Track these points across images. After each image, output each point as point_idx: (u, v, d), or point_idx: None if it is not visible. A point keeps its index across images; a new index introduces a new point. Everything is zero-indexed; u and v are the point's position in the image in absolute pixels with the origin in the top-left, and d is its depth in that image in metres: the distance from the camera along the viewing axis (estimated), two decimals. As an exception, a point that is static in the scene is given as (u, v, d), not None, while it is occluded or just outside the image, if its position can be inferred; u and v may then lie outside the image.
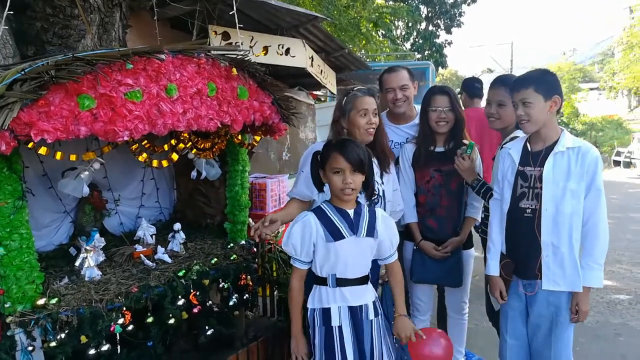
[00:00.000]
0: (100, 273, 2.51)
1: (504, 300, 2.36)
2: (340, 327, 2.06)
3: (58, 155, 2.14)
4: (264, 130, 2.99)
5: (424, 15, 20.33)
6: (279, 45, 4.15)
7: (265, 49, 4.06)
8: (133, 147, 2.39)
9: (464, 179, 2.82)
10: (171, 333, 2.58)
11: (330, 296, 2.09)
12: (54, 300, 2.21)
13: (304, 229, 2.08)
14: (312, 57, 4.53)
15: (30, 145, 1.96)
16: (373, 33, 14.23)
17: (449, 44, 21.41)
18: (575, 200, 2.17)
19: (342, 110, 2.56)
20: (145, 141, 2.50)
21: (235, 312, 2.94)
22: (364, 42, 13.62)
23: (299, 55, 4.30)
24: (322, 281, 2.10)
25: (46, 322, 2.14)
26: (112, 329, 2.25)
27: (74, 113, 1.96)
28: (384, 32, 16.32)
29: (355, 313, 2.09)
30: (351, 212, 2.11)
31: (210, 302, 2.71)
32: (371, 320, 2.12)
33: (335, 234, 2.05)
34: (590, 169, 2.17)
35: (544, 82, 2.21)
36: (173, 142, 2.58)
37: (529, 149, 2.30)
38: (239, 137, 2.96)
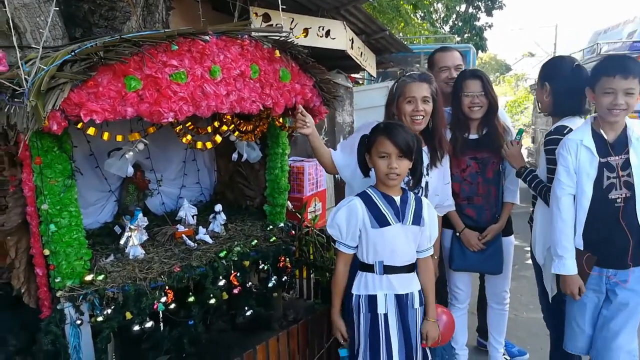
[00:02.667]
0: (144, 252, 2.56)
1: (580, 296, 2.28)
2: (386, 315, 2.03)
3: (105, 135, 2.18)
4: (305, 114, 2.96)
5: (463, -3, 19.72)
6: (319, 27, 4.10)
7: (306, 30, 4.02)
8: (177, 128, 2.40)
9: (499, 166, 2.74)
10: (211, 313, 2.63)
11: (376, 283, 2.06)
12: (101, 277, 2.27)
13: (349, 213, 2.04)
14: (352, 39, 4.46)
15: (79, 125, 1.99)
16: (412, 15, 13.92)
17: (489, 26, 20.74)
18: None
19: (392, 96, 2.50)
20: (189, 123, 2.51)
21: (274, 294, 2.96)
22: (402, 24, 13.34)
23: (339, 37, 4.23)
24: (369, 268, 2.07)
25: (94, 298, 2.21)
26: (155, 306, 2.30)
27: (121, 94, 1.98)
28: (422, 15, 15.94)
29: (402, 301, 2.06)
30: (397, 198, 2.07)
31: (250, 283, 2.74)
32: (416, 309, 2.09)
33: (381, 220, 2.02)
34: None
35: None
36: (216, 124, 2.59)
37: (605, 137, 2.20)
38: (280, 120, 2.95)
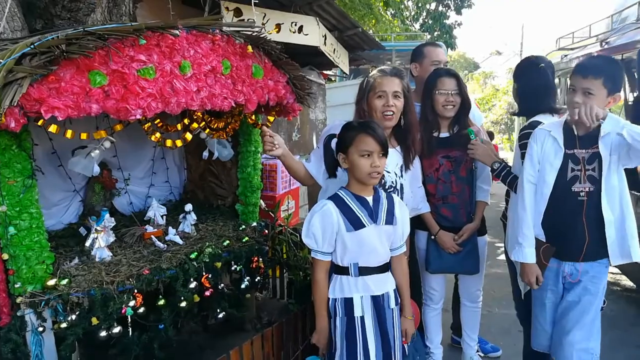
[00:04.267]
0: (111, 254, 2.46)
1: (538, 286, 2.30)
2: (362, 318, 1.99)
3: (69, 133, 2.08)
4: (278, 111, 2.91)
5: (433, -5, 19.93)
6: (291, 23, 4.04)
7: (278, 26, 3.95)
8: (145, 126, 2.31)
9: (472, 165, 2.74)
10: (182, 316, 2.55)
11: (352, 286, 2.01)
12: (64, 281, 2.17)
13: (324, 218, 1.98)
14: (325, 35, 4.41)
15: (40, 122, 1.89)
16: (383, 13, 13.97)
17: (459, 25, 21.03)
18: (617, 173, 2.19)
19: (362, 91, 2.43)
20: (158, 120, 2.43)
21: (247, 295, 2.90)
22: (373, 21, 13.37)
23: (312, 33, 4.18)
24: (344, 270, 2.02)
25: (57, 303, 2.11)
26: (123, 311, 2.21)
27: (85, 90, 1.89)
28: (393, 12, 16.01)
29: (378, 302, 2.02)
30: (370, 199, 2.03)
31: (222, 284, 2.67)
32: (392, 309, 2.06)
33: (355, 223, 1.97)
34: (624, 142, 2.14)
35: (613, 76, 2.12)
36: (186, 121, 2.51)
37: (575, 132, 2.22)
38: (253, 117, 2.88)
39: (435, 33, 20.02)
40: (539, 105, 2.52)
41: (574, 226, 2.22)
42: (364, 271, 2.01)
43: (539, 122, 2.42)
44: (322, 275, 2.02)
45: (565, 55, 6.39)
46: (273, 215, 3.78)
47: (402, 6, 17.10)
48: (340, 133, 2.07)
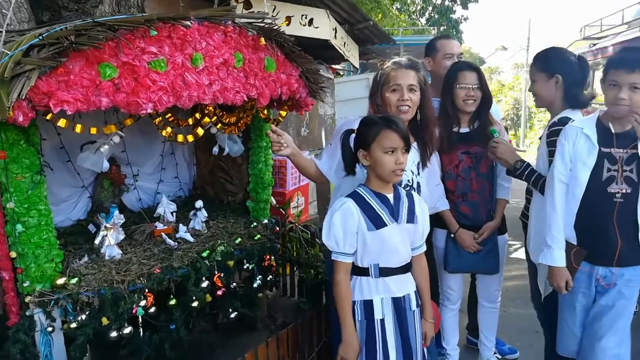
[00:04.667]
0: (121, 252, 2.40)
1: (568, 291, 2.21)
2: (382, 320, 1.91)
3: (78, 128, 2.01)
4: (290, 105, 2.84)
5: (439, -11, 19.76)
6: (302, 16, 3.95)
7: (288, 19, 3.86)
8: (156, 120, 2.25)
9: (493, 161, 2.65)
10: (194, 315, 2.49)
11: (372, 287, 1.93)
12: (74, 280, 2.12)
13: (345, 217, 1.89)
14: (335, 28, 4.33)
15: (48, 116, 1.82)
16: (389, 7, 13.85)
17: (465, 19, 20.85)
18: None
19: (376, 85, 2.34)
20: (169, 114, 2.36)
21: (259, 294, 2.84)
22: (380, 15, 13.26)
23: (323, 26, 4.09)
24: (364, 272, 1.94)
25: (66, 303, 2.05)
26: (134, 311, 2.16)
27: (95, 83, 1.82)
28: (399, 7, 15.88)
29: (399, 304, 1.94)
30: (390, 196, 1.95)
31: (234, 284, 2.61)
32: (414, 311, 1.98)
33: (377, 222, 1.89)
34: None
35: None
36: (197, 115, 2.44)
37: (612, 130, 2.12)
38: (265, 111, 2.81)
39: (442, 28, 19.88)
40: (583, 99, 2.41)
41: (606, 229, 2.12)
42: (384, 272, 1.93)
43: (569, 119, 2.32)
44: (344, 278, 1.93)
45: (594, 44, 5.84)
46: (284, 212, 3.72)
47: (409, 0, 16.94)
48: (359, 128, 1.98)
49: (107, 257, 2.34)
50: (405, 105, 2.22)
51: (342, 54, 4.60)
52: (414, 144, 2.32)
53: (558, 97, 2.43)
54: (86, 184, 2.83)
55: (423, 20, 20.53)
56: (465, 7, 20.59)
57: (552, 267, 2.19)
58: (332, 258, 1.94)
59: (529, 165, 2.45)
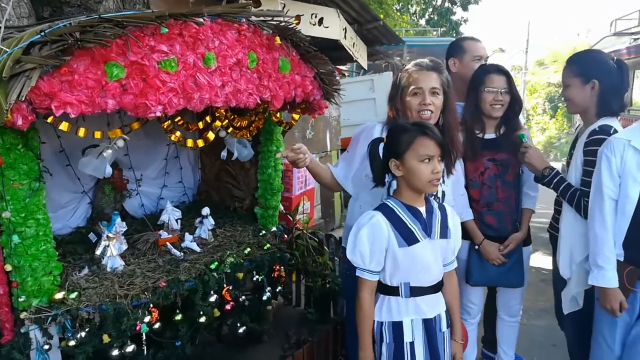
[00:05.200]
0: (123, 263, 2.26)
1: (621, 313, 2.08)
2: (412, 343, 1.78)
3: (81, 131, 1.86)
4: (304, 108, 2.70)
5: (440, -9, 19.70)
6: (312, 15, 3.80)
7: (298, 18, 3.71)
8: (165, 124, 2.10)
9: (520, 169, 2.53)
10: (200, 331, 2.34)
11: (402, 308, 1.79)
12: (73, 295, 1.97)
13: (373, 232, 1.75)
14: (345, 28, 4.19)
15: (50, 119, 1.68)
16: (391, 8, 13.73)
17: (465, 21, 20.79)
18: None
19: (396, 88, 2.20)
20: (179, 117, 2.21)
21: (268, 307, 2.69)
22: (382, 16, 13.13)
23: (333, 26, 3.95)
24: (393, 291, 1.80)
25: (65, 319, 1.91)
26: (137, 328, 2.01)
27: (101, 83, 1.69)
28: (398, 8, 15.77)
29: (430, 326, 1.80)
30: (423, 210, 1.81)
31: (243, 297, 2.46)
32: (444, 332, 1.85)
33: (409, 238, 1.75)
34: None
35: None
36: (208, 119, 2.29)
37: None
38: (277, 114, 2.67)
39: (442, 29, 19.81)
40: (622, 106, 2.29)
41: None
42: (415, 291, 1.79)
43: (611, 127, 2.19)
44: (368, 297, 1.79)
45: (636, 39, 5.06)
46: (291, 218, 3.58)
47: (413, 1, 16.84)
48: (390, 136, 1.84)
49: (108, 269, 2.20)
50: (428, 110, 2.08)
51: (352, 54, 4.46)
52: None
53: (593, 104, 2.30)
54: (86, 189, 2.68)
55: (423, 22, 20.46)
56: (465, 8, 20.54)
57: (605, 288, 2.05)
58: (357, 274, 1.80)
59: (558, 173, 2.33)
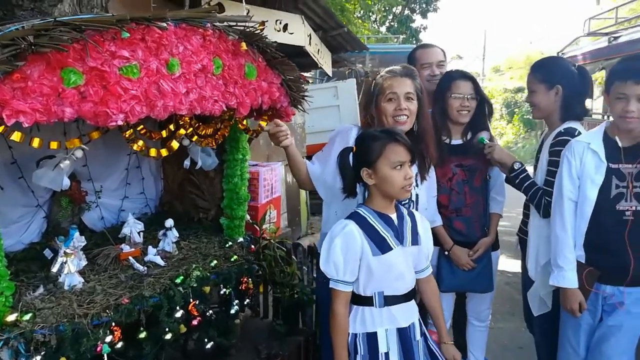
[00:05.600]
0: (82, 280, 2.13)
1: (581, 313, 2.11)
2: (387, 354, 1.75)
3: (35, 142, 1.75)
4: (271, 115, 2.64)
5: (400, -2, 20.05)
6: (276, 21, 3.77)
7: (262, 24, 3.66)
8: (127, 133, 2.00)
9: (487, 175, 2.57)
10: (166, 348, 2.24)
11: (376, 318, 1.77)
12: (27, 316, 1.83)
13: (347, 242, 1.72)
14: (310, 35, 4.17)
15: (0, 129, 1.56)
16: (353, 15, 13.85)
17: (424, 28, 21.26)
18: None
19: (370, 95, 2.20)
20: (141, 126, 2.11)
21: (236, 321, 2.61)
22: (344, 23, 13.23)
23: (298, 32, 3.92)
24: (366, 301, 1.77)
25: (18, 343, 1.77)
26: (98, 349, 1.89)
27: (57, 90, 1.59)
28: (359, 15, 15.94)
29: (405, 335, 1.78)
30: (394, 217, 1.79)
31: (210, 311, 2.37)
32: (418, 341, 1.82)
33: (382, 246, 1.73)
34: None
35: None
36: (172, 127, 2.20)
37: (619, 144, 2.03)
38: (244, 122, 2.60)
39: (402, 37, 20.17)
40: (584, 110, 2.35)
41: (617, 248, 2.04)
42: (390, 300, 1.77)
43: (576, 129, 2.25)
44: (343, 309, 1.75)
45: (615, 39, 4.79)
46: (258, 228, 3.50)
47: (374, 9, 17.07)
48: (359, 145, 1.82)
49: (66, 287, 2.07)
50: (403, 115, 2.11)
51: (317, 61, 4.44)
52: None
53: (557, 108, 2.36)
54: (41, 202, 2.53)
55: (383, 29, 20.77)
56: (424, 16, 21.03)
57: (565, 289, 2.10)
58: (331, 286, 1.76)
59: (526, 169, 2.38)
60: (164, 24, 1.83)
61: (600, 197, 2.04)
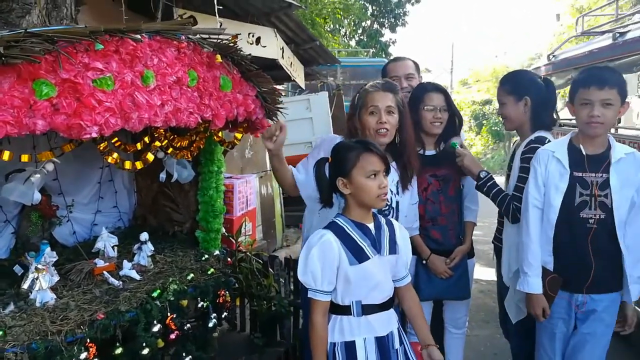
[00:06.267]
0: (55, 296, 2.08)
1: (545, 319, 2.15)
2: None
3: (6, 155, 1.71)
4: (246, 127, 2.65)
5: (369, 13, 20.35)
6: (249, 34, 3.79)
7: (235, 37, 3.67)
8: (101, 146, 1.98)
9: (460, 184, 2.62)
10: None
11: (354, 327, 1.77)
12: (-2, 335, 1.78)
13: (324, 252, 1.73)
14: (282, 48, 4.20)
15: (-30, 142, 1.53)
16: (323, 29, 14.00)
17: (393, 42, 21.60)
18: (629, 209, 2.07)
19: (354, 108, 2.28)
20: (116, 138, 2.09)
21: (214, 334, 2.58)
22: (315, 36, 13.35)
23: (270, 45, 3.95)
24: (344, 310, 1.78)
25: (-12, 363, 1.72)
26: (73, 366, 1.84)
27: (29, 102, 1.56)
28: (329, 29, 16.12)
29: (383, 344, 1.79)
30: (372, 226, 1.81)
31: (187, 325, 2.34)
32: (397, 350, 1.83)
33: (359, 255, 1.74)
34: None
35: (624, 83, 2.05)
36: (147, 139, 2.19)
37: (583, 152, 2.10)
38: (219, 134, 2.60)
39: (371, 50, 20.46)
40: (552, 120, 2.42)
41: (581, 255, 2.09)
42: (367, 309, 1.78)
43: (545, 138, 2.32)
44: (321, 320, 1.75)
45: (621, 35, 4.00)
46: (234, 240, 3.48)
47: (345, 23, 17.28)
48: (335, 155, 1.84)
49: (38, 304, 2.01)
50: (384, 128, 2.18)
51: (289, 74, 4.47)
52: (393, 163, 2.25)
53: (527, 119, 2.43)
54: (9, 217, 2.47)
55: (353, 43, 21.02)
56: (393, 30, 21.34)
57: (529, 294, 2.14)
58: (309, 296, 1.76)
59: (492, 177, 2.44)
60: (138, 36, 1.82)
61: (565, 204, 2.09)
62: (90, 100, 1.68)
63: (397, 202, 2.24)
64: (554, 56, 5.10)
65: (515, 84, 2.47)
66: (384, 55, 20.02)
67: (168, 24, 2.04)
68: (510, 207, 2.33)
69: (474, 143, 28.30)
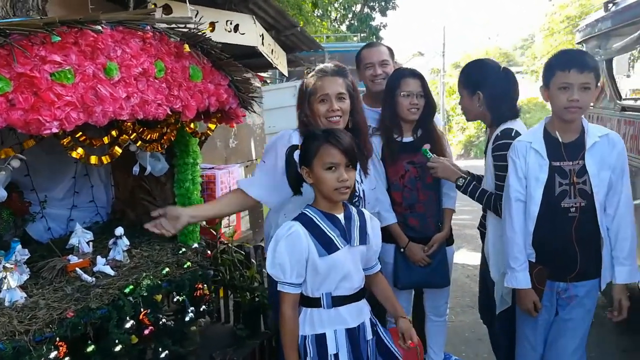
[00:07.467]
0: (25, 295, 2.04)
1: (537, 312, 2.13)
2: (336, 355, 1.74)
3: (-37, 153, 1.67)
4: (220, 117, 2.61)
5: (359, -3, 20.20)
6: (226, 21, 3.72)
7: (212, 25, 3.61)
8: (64, 140, 1.93)
9: None
10: (118, 360, 2.17)
11: (324, 319, 1.75)
12: (-37, 336, 1.75)
13: (292, 243, 1.70)
14: (262, 35, 4.13)
15: None
16: (311, 14, 13.87)
17: (384, 26, 21.45)
18: (606, 191, 2.05)
19: (302, 95, 2.19)
20: (80, 133, 2.04)
21: (192, 328, 2.56)
22: (302, 22, 13.22)
23: (249, 32, 3.89)
24: (314, 302, 1.76)
25: (-47, 365, 1.69)
26: (43, 366, 1.82)
27: (-17, 99, 1.51)
28: (319, 14, 15.98)
29: (354, 335, 1.77)
30: (341, 217, 1.78)
31: (163, 320, 2.32)
32: (368, 341, 1.82)
33: (328, 246, 1.71)
34: (621, 158, 2.04)
35: (598, 67, 2.01)
36: (114, 133, 2.14)
37: (560, 140, 2.06)
38: (192, 125, 2.55)
39: (362, 35, 20.33)
40: (513, 112, 2.37)
41: (565, 245, 2.06)
42: (337, 301, 1.76)
43: (512, 129, 2.27)
44: (291, 311, 1.74)
45: (614, 4, 3.65)
46: (215, 232, 3.45)
47: (331, 7, 17.13)
48: (303, 144, 1.81)
49: (6, 303, 1.97)
50: (336, 116, 2.11)
51: (270, 61, 4.41)
52: None
53: (486, 112, 2.39)
54: (-21, 215, 2.42)
55: (344, 27, 20.87)
56: (383, 14, 21.20)
57: (518, 290, 2.12)
58: (278, 289, 1.74)
59: (471, 181, 2.40)
60: (98, 27, 1.77)
61: (546, 195, 2.05)
62: (48, 94, 1.63)
63: (363, 191, 2.19)
64: (614, 3, 3.75)
65: (468, 78, 2.42)
66: (374, 39, 19.89)
67: (132, 13, 1.99)
68: (497, 206, 2.29)
69: (467, 126, 28.28)
